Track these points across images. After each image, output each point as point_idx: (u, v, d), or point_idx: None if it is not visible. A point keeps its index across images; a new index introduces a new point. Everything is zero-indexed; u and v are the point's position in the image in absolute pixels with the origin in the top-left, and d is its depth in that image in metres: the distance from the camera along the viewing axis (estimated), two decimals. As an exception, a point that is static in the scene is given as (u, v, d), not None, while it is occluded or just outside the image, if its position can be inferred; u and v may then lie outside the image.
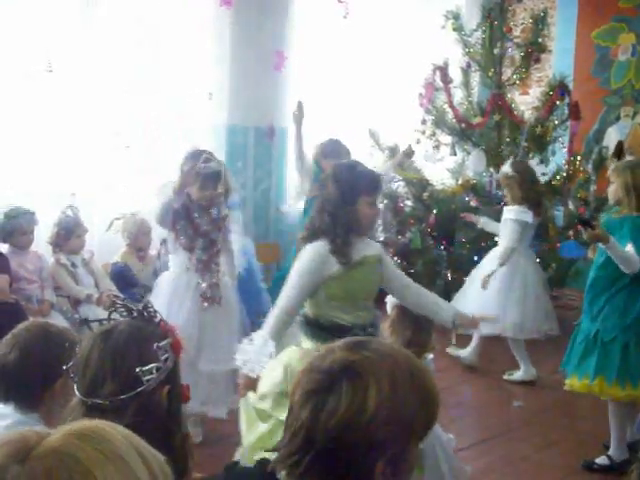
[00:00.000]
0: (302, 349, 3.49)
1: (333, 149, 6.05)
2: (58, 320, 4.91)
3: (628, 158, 7.88)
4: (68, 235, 5.52)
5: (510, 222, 6.23)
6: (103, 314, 2.29)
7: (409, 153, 6.64)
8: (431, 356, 3.97)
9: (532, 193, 6.29)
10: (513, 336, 6.32)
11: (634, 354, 4.72)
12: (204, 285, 4.79)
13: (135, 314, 2.09)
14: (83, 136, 6.38)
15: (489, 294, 6.15)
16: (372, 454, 1.51)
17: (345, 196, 3.63)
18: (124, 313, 2.11)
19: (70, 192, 6.14)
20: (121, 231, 6.12)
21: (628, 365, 4.71)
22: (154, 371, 1.94)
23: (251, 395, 3.44)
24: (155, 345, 1.97)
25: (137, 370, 1.93)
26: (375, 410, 1.49)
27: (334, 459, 1.52)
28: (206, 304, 4.77)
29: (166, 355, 1.99)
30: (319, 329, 3.69)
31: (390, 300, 3.95)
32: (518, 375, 6.36)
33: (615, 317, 4.75)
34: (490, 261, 6.40)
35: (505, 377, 6.34)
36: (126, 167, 6.60)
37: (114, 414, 1.81)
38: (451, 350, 6.40)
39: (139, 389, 1.93)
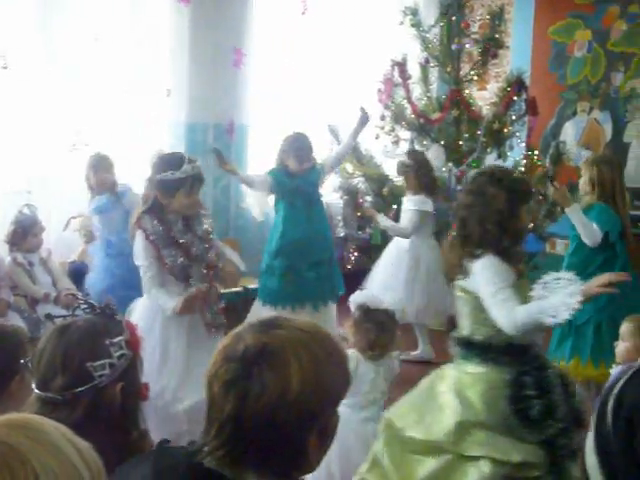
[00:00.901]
0: (471, 374, 3.17)
1: (292, 148, 5.99)
2: (15, 320, 4.86)
3: (584, 153, 8.02)
4: (25, 234, 5.46)
5: (410, 212, 6.42)
6: (61, 313, 2.28)
7: (365, 117, 6.44)
8: (397, 351, 4.00)
9: (429, 181, 6.49)
10: (417, 321, 6.54)
11: (606, 334, 4.96)
12: (209, 315, 4.26)
13: (98, 311, 2.09)
14: (40, 134, 6.32)
15: (396, 283, 6.31)
16: (304, 428, 1.53)
17: (511, 204, 3.21)
18: (87, 310, 2.11)
19: (26, 190, 6.09)
20: (78, 229, 6.07)
21: (601, 345, 4.95)
22: (107, 367, 1.94)
23: (395, 421, 3.23)
24: (108, 341, 1.96)
25: (88, 365, 1.92)
26: (300, 386, 1.50)
27: (268, 442, 1.52)
28: (214, 329, 4.25)
29: (121, 352, 1.98)
30: (494, 352, 3.16)
31: (354, 300, 3.95)
32: (416, 354, 6.58)
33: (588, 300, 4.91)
34: (395, 246, 6.59)
35: (402, 357, 6.44)
36: (83, 165, 6.54)
37: (66, 408, 1.80)
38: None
39: (90, 384, 1.93)
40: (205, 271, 4.23)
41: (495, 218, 3.16)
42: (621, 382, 1.31)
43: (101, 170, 5.94)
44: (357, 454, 3.72)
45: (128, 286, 4.99)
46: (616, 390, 1.30)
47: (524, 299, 3.07)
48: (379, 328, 3.79)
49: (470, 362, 3.20)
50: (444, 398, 3.13)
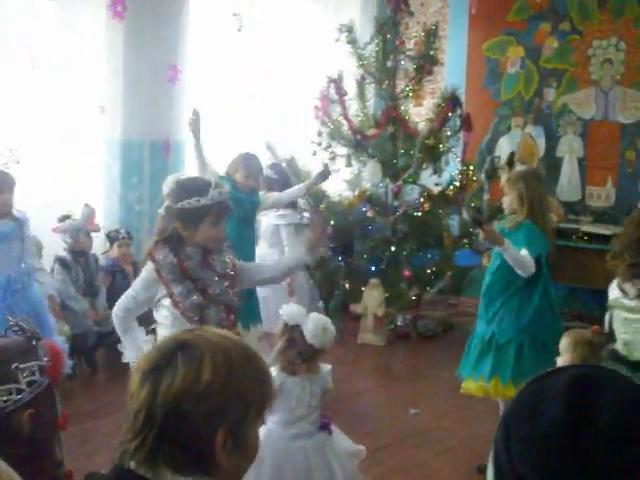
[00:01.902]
0: None
1: (243, 162, 5.99)
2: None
3: (519, 168, 8.11)
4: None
5: (282, 227, 6.58)
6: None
7: (325, 173, 6.53)
8: (329, 367, 4.00)
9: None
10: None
11: (528, 355, 4.93)
12: None
13: (28, 334, 2.06)
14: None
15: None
16: (211, 422, 1.56)
17: None
18: (18, 332, 2.08)
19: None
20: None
21: (522, 366, 4.88)
22: (13, 392, 1.90)
23: None
24: (15, 366, 1.93)
25: None
26: (210, 378, 1.56)
27: (175, 433, 1.56)
28: None
29: (31, 378, 1.95)
30: None
31: (286, 315, 3.90)
32: None
33: (510, 319, 4.96)
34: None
35: None
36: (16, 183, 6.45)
37: None
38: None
39: None
40: (224, 314, 3.74)
41: None
42: None
43: (5, 190, 5.40)
44: (287, 470, 3.72)
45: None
46: None
47: None
48: (289, 344, 3.79)
49: None
50: None
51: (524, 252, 4.83)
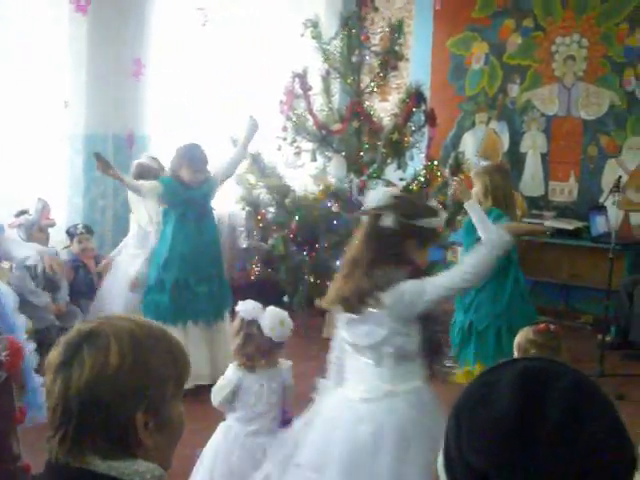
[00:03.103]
0: None
1: (185, 158, 5.91)
2: None
3: (482, 163, 8.17)
4: None
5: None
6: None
7: (253, 123, 6.37)
8: (289, 363, 4.00)
9: None
10: None
11: (506, 339, 5.12)
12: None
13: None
14: None
15: None
16: (128, 405, 1.57)
17: None
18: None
19: None
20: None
21: (502, 350, 5.09)
22: None
23: None
24: None
25: None
26: (118, 362, 1.56)
27: (94, 421, 1.57)
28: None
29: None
30: None
31: (243, 310, 3.90)
32: None
33: (486, 306, 5.20)
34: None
35: None
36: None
37: None
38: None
39: None
40: None
41: None
42: None
43: None
44: (244, 467, 3.72)
45: None
46: None
47: None
48: (246, 339, 3.78)
49: None
50: None
51: None
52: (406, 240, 3.27)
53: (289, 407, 4.02)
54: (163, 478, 1.65)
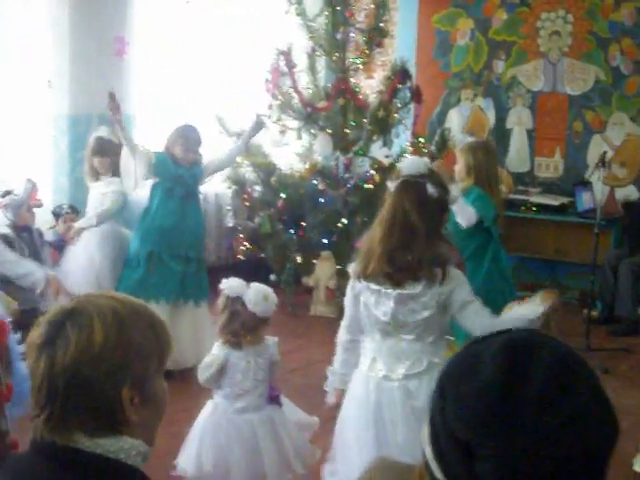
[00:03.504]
0: None
1: (180, 136, 5.96)
2: None
3: (468, 139, 8.17)
4: None
5: (110, 194, 6.24)
6: None
7: (259, 123, 6.48)
8: (275, 339, 4.01)
9: (117, 162, 6.21)
10: None
11: None
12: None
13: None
14: None
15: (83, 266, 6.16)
16: (113, 382, 1.58)
17: None
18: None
19: None
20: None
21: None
22: None
23: None
24: None
25: None
26: (103, 339, 1.57)
27: (80, 399, 1.58)
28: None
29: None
30: None
31: (227, 288, 3.90)
32: None
33: None
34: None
35: None
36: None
37: None
38: None
39: None
40: None
41: None
42: None
43: None
44: (232, 444, 3.74)
45: None
46: None
47: None
48: (231, 316, 3.79)
49: None
50: None
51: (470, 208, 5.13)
52: (443, 213, 3.28)
53: (276, 384, 4.04)
54: (148, 454, 1.66)
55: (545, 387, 1.18)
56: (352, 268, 3.32)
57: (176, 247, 5.92)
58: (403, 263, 3.11)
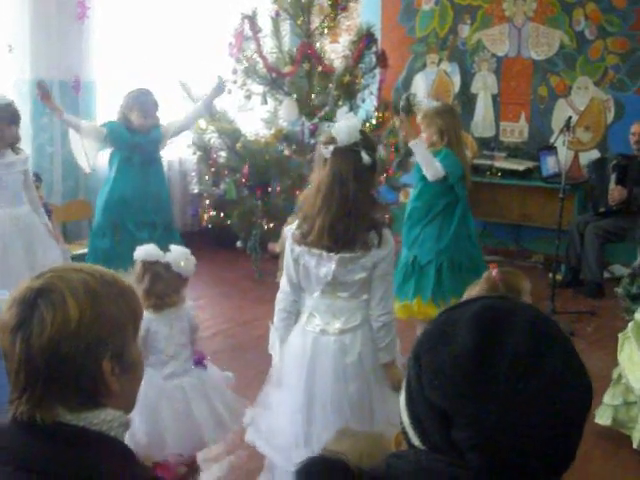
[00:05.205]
0: None
1: (136, 102, 5.88)
2: None
3: (434, 104, 8.16)
4: None
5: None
6: None
7: (220, 86, 6.44)
8: (191, 303, 4.16)
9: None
10: None
11: (446, 275, 5.31)
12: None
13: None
14: None
15: None
16: (93, 355, 1.58)
17: None
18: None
19: None
20: None
21: (441, 286, 5.29)
22: None
23: None
24: None
25: None
26: (78, 314, 1.55)
27: (61, 376, 1.56)
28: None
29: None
30: None
31: (144, 254, 3.96)
32: None
33: (430, 242, 5.35)
34: None
35: None
36: None
37: None
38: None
39: None
40: None
41: None
42: None
43: None
44: (163, 411, 3.78)
45: None
46: None
47: None
48: (154, 278, 3.85)
49: None
50: None
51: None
52: (374, 175, 3.37)
53: (199, 346, 4.19)
54: (129, 424, 1.67)
55: (518, 354, 1.18)
56: (289, 231, 3.39)
57: (140, 214, 5.88)
58: (342, 233, 3.21)
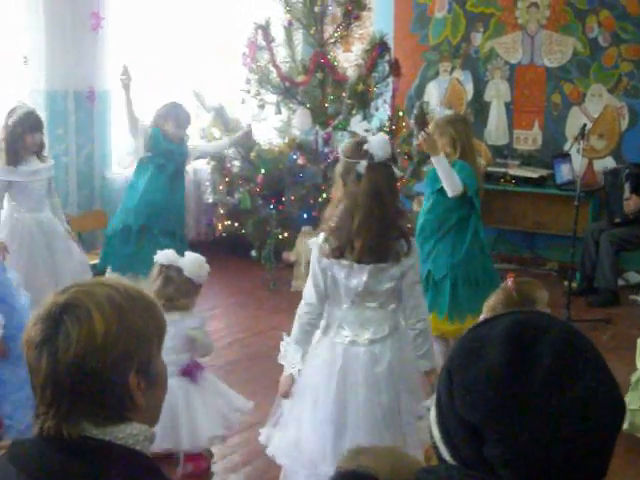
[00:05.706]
0: None
1: (172, 112, 6.01)
2: None
3: (447, 112, 8.16)
4: None
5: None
6: None
7: (248, 134, 6.85)
8: (201, 318, 4.25)
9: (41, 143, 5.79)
10: None
11: (462, 291, 5.19)
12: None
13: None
14: None
15: None
16: (119, 370, 1.57)
17: None
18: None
19: None
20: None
21: (457, 301, 5.17)
22: None
23: None
24: None
25: None
26: (104, 329, 1.55)
27: (88, 392, 1.56)
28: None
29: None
30: None
31: (162, 257, 4.10)
32: None
33: (444, 257, 5.23)
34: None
35: None
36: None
37: None
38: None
39: None
40: None
41: None
42: None
43: None
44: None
45: None
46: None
47: None
48: (166, 281, 3.99)
49: None
50: None
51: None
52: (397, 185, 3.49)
53: (197, 358, 4.22)
54: (154, 438, 1.66)
55: (551, 370, 1.18)
56: (317, 244, 3.38)
57: (164, 222, 6.02)
58: (380, 247, 3.27)
